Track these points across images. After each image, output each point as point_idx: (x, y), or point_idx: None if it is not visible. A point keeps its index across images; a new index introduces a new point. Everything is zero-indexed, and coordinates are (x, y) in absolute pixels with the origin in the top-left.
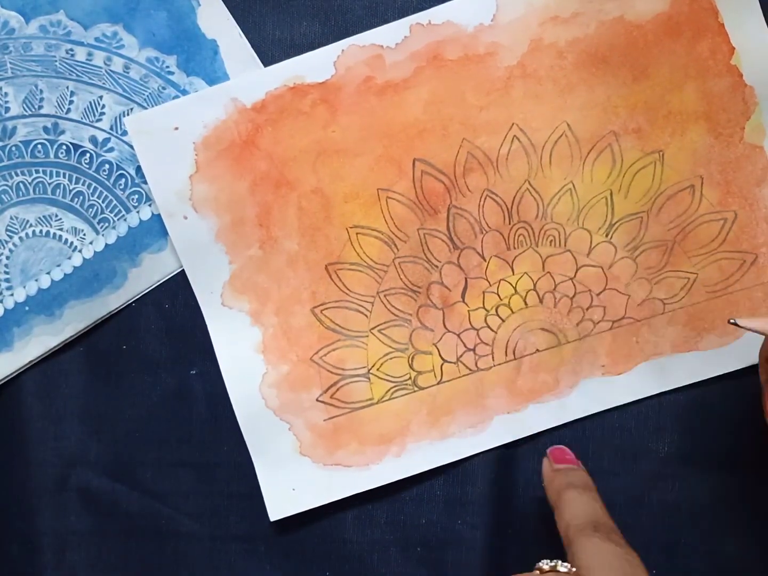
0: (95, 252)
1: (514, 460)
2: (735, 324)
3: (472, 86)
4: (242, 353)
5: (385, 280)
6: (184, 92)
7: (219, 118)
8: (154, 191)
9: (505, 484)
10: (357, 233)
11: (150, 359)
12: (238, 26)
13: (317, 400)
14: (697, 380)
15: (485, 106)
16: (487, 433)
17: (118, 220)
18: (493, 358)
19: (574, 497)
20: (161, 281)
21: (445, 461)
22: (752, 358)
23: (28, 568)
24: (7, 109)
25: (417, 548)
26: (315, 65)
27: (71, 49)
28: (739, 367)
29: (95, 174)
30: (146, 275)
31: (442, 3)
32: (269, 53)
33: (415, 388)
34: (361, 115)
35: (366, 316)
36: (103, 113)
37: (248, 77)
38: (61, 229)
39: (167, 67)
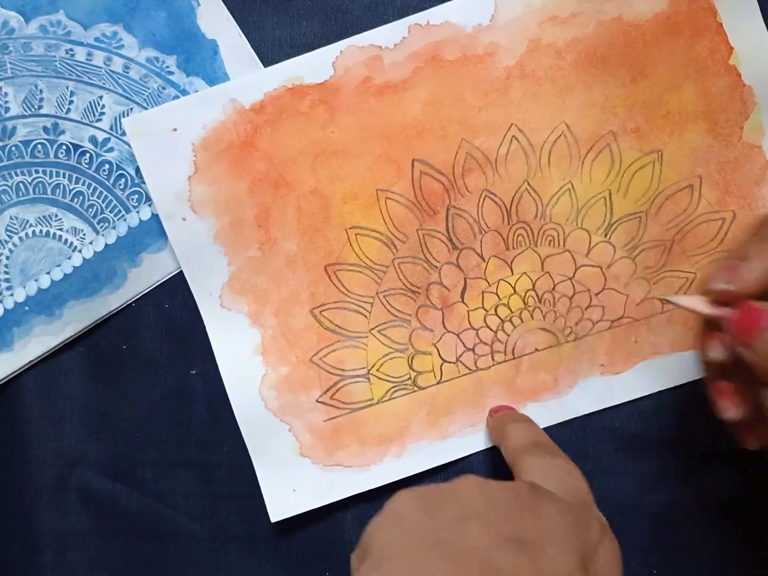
0: (95, 252)
1: None
2: (667, 302)
3: (471, 86)
4: (241, 355)
5: (384, 281)
6: (184, 92)
7: (218, 119)
8: (153, 192)
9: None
10: (356, 234)
11: (150, 359)
12: (238, 26)
13: (317, 401)
14: (696, 378)
15: (484, 106)
16: (486, 433)
17: (117, 220)
18: (492, 357)
19: (514, 428)
20: (161, 281)
21: (445, 461)
22: None
23: (28, 568)
24: (7, 109)
25: None
26: (314, 66)
27: (71, 49)
28: None
29: (95, 174)
30: (146, 275)
31: (441, 3)
32: (269, 53)
33: (415, 388)
34: (360, 115)
35: (365, 316)
36: (102, 113)
37: (247, 78)
38: (60, 229)
39: (167, 67)
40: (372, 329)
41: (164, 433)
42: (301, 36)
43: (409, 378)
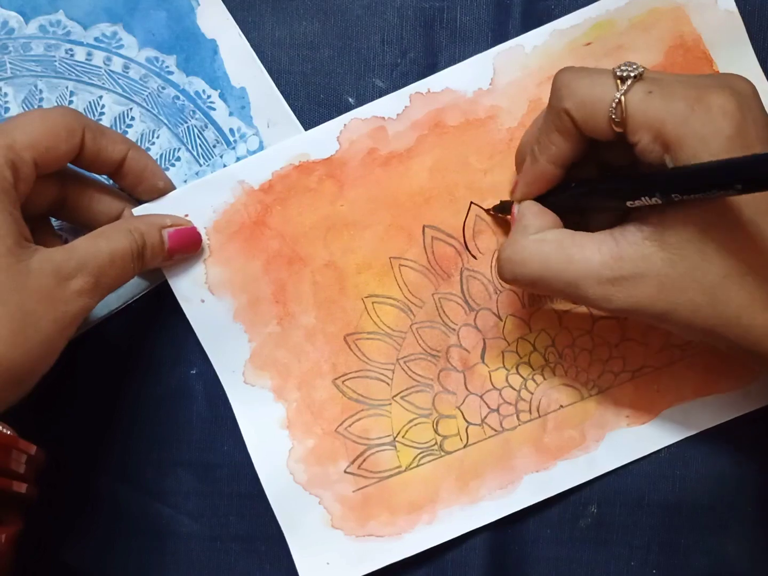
0: None
1: None
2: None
3: (475, 150)
4: (267, 430)
5: (403, 347)
6: (184, 92)
7: (228, 202)
8: (170, 278)
9: None
10: (373, 302)
11: (150, 359)
12: (237, 26)
13: (345, 471)
14: (720, 422)
15: (489, 169)
16: (517, 494)
17: None
18: (517, 417)
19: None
20: (162, 281)
21: (478, 525)
22: None
23: (28, 567)
24: (7, 110)
25: None
26: (318, 142)
27: (71, 49)
28: (760, 406)
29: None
30: (146, 275)
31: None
32: (269, 53)
33: (442, 453)
34: (368, 187)
35: (387, 384)
36: (102, 113)
37: (254, 159)
38: (62, 229)
39: (167, 66)
40: (395, 396)
41: (164, 433)
42: (301, 36)
43: (436, 443)
